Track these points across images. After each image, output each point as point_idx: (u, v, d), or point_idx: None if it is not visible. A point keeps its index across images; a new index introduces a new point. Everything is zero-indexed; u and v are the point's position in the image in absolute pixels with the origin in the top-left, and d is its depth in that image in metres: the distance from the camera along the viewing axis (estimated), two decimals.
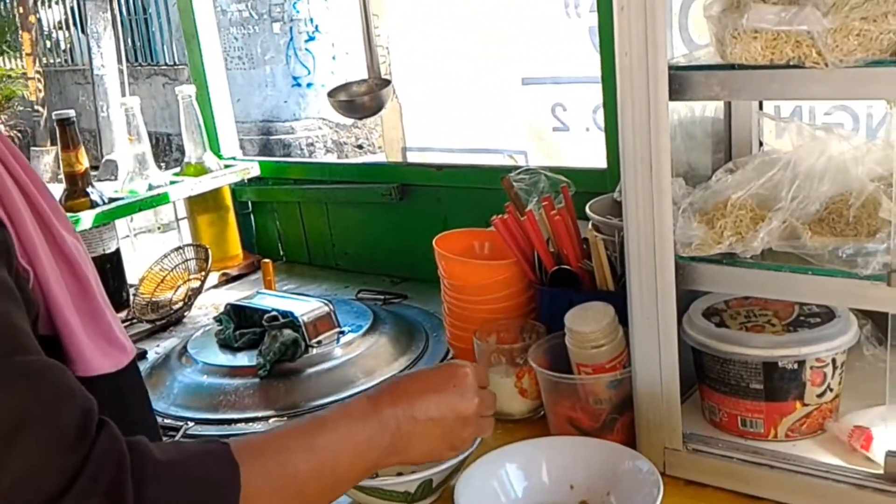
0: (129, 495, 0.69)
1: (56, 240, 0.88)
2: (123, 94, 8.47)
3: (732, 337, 1.10)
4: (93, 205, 1.84)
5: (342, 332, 1.60)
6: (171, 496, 0.73)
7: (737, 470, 1.09)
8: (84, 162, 1.84)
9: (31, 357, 0.71)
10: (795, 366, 1.08)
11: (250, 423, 1.42)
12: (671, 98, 1.00)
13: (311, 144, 9.56)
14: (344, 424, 0.89)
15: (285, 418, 1.43)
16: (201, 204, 2.11)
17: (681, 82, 1.00)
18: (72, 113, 1.82)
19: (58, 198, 1.82)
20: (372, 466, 0.93)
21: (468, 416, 0.98)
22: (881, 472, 1.01)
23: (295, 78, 9.37)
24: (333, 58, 9.11)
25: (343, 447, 0.88)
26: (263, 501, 0.80)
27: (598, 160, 1.63)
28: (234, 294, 1.97)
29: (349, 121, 8.08)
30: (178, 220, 2.11)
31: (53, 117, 1.82)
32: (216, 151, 2.15)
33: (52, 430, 0.69)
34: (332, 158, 9.39)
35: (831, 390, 1.10)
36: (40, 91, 11.12)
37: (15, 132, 11.33)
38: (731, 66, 0.97)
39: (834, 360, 1.09)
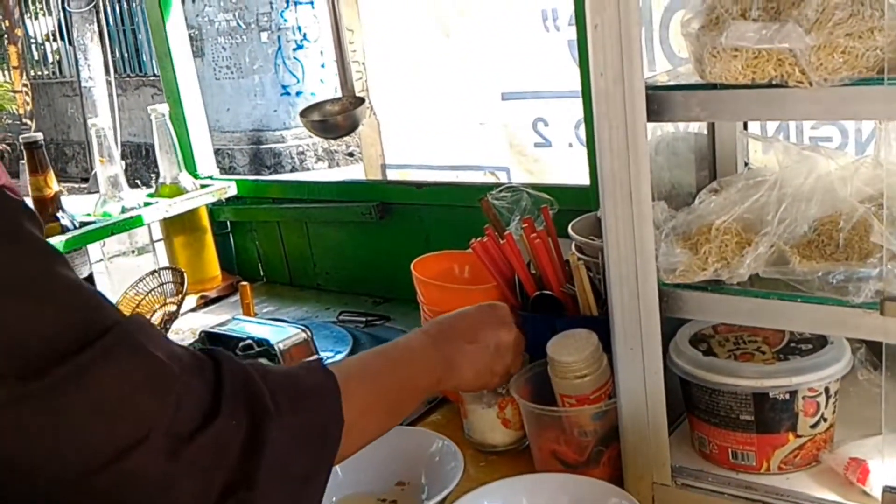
0: (267, 400, 0.76)
1: None
2: (112, 107, 8.43)
3: (721, 367, 1.05)
4: (63, 230, 1.79)
5: (320, 360, 1.54)
6: (292, 398, 0.79)
7: None
8: (53, 185, 1.79)
9: (127, 317, 0.72)
10: (787, 396, 1.03)
11: None
12: (650, 119, 0.95)
13: (302, 153, 9.52)
14: (410, 354, 1.04)
15: None
16: (177, 225, 2.06)
17: (659, 103, 0.95)
18: (39, 136, 1.77)
19: None
20: (436, 384, 1.07)
21: (508, 345, 1.13)
22: None
23: (284, 87, 9.33)
24: (322, 66, 9.08)
25: (415, 372, 1.02)
26: (357, 415, 0.87)
27: (582, 177, 1.59)
28: (212, 318, 1.92)
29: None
30: (153, 242, 2.05)
31: (20, 141, 1.77)
32: (192, 171, 2.10)
33: (180, 363, 0.72)
34: (323, 166, 9.36)
35: (825, 420, 1.06)
36: (28, 104, 11.08)
37: (3, 146, 11.28)
38: (713, 86, 0.92)
39: (827, 389, 1.04)
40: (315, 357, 0.91)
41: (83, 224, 1.85)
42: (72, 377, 0.65)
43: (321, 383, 0.85)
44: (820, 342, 1.06)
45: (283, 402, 0.77)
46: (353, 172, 8.27)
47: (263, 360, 1.49)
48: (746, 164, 1.22)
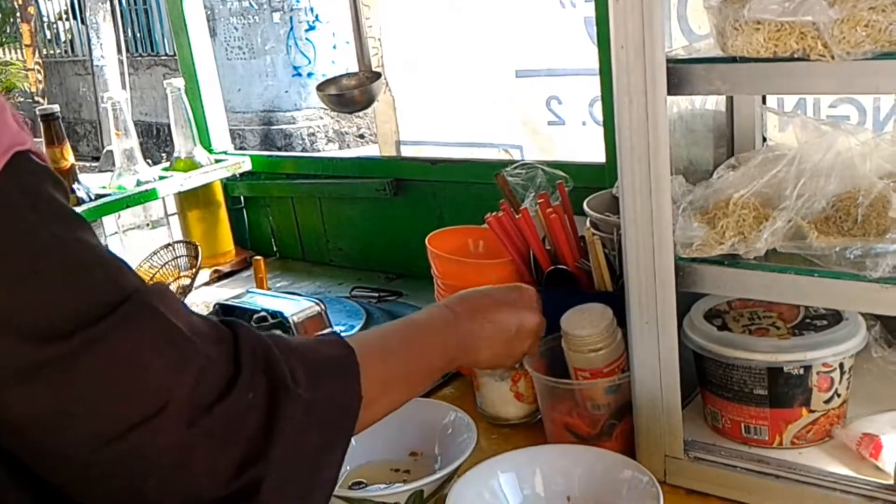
0: (285, 371, 0.75)
1: None
2: (123, 85, 8.43)
3: (735, 341, 1.06)
4: (79, 202, 1.80)
5: (334, 333, 1.55)
6: (311, 370, 0.79)
7: (740, 479, 1.05)
8: (69, 158, 1.80)
9: (147, 285, 0.72)
10: (801, 371, 1.03)
11: None
12: (670, 92, 0.95)
13: (313, 134, 9.52)
14: (430, 328, 1.03)
15: None
16: (191, 199, 2.07)
17: (680, 76, 0.95)
18: (55, 108, 1.78)
19: None
20: (449, 364, 1.05)
21: (529, 330, 1.11)
22: (891, 482, 0.97)
23: (296, 68, 9.31)
24: (334, 47, 9.06)
25: (433, 350, 1.01)
26: (375, 391, 0.87)
27: (595, 155, 1.59)
28: (226, 292, 1.93)
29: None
30: (167, 216, 2.06)
31: (37, 112, 1.78)
32: (207, 146, 2.11)
33: (199, 333, 0.72)
34: (333, 148, 9.35)
35: (839, 396, 1.06)
36: (40, 82, 11.10)
37: None
38: (733, 59, 0.92)
39: (841, 365, 1.05)
40: (332, 330, 0.90)
41: (98, 196, 1.86)
42: (91, 343, 0.65)
43: (341, 358, 0.85)
44: (835, 318, 1.07)
45: (301, 375, 0.77)
46: (363, 154, 8.25)
47: (278, 332, 1.49)
48: (765, 140, 1.22)
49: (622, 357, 1.15)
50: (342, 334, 1.49)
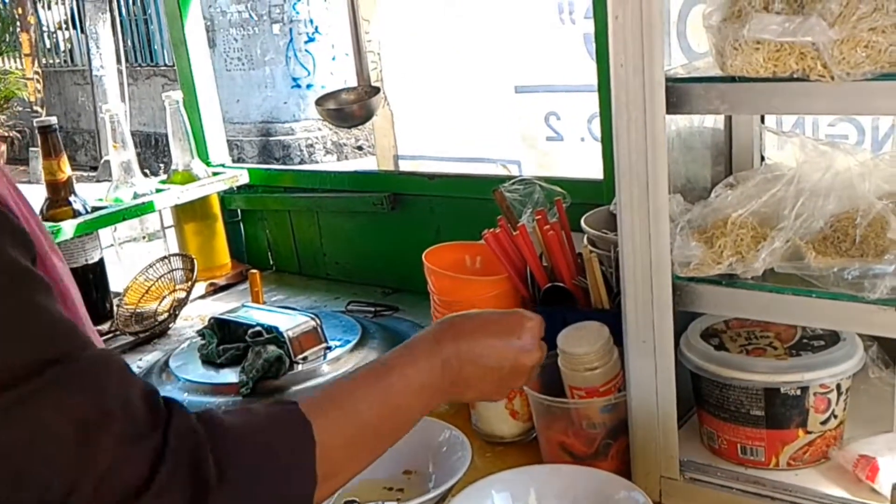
0: (211, 472, 0.68)
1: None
2: (122, 96, 8.44)
3: (732, 361, 1.05)
4: (75, 214, 1.79)
5: (329, 348, 1.55)
6: (250, 464, 0.72)
7: (736, 500, 1.05)
8: (66, 170, 1.79)
9: (91, 351, 0.68)
10: (798, 392, 1.03)
11: None
12: (669, 111, 0.95)
13: (311, 146, 9.52)
14: (410, 367, 0.90)
15: None
16: (188, 212, 2.06)
17: (679, 95, 0.95)
18: (53, 120, 1.78)
19: (38, 207, 1.81)
20: (431, 404, 0.94)
21: (526, 367, 0.99)
22: None
23: (294, 79, 9.33)
24: (333, 59, 9.08)
25: (409, 389, 0.90)
26: (339, 453, 0.80)
27: (593, 171, 1.58)
28: (221, 305, 1.92)
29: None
30: (164, 228, 2.06)
31: (35, 124, 1.77)
32: (204, 158, 2.10)
33: (127, 421, 0.66)
34: (331, 159, 9.36)
35: (835, 417, 1.05)
36: (39, 92, 11.09)
37: (14, 133, 11.30)
38: (732, 79, 0.92)
39: (839, 386, 1.04)
40: (291, 400, 0.81)
41: (95, 209, 1.85)
42: (10, 407, 0.61)
43: (295, 436, 0.77)
44: (832, 339, 1.06)
45: (236, 471, 0.70)
46: (362, 166, 8.26)
47: (272, 348, 1.49)
48: (763, 159, 1.22)
49: (618, 376, 1.14)
50: (334, 350, 1.53)
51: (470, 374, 0.94)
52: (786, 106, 0.91)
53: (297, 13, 9.13)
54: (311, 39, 9.18)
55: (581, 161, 2.41)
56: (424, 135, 2.71)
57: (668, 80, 0.94)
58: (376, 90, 1.73)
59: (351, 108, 1.71)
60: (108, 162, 6.05)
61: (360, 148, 9.44)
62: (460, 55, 2.58)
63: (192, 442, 0.69)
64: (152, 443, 0.67)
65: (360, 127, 9.19)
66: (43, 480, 0.62)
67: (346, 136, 9.41)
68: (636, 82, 0.95)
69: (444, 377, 0.92)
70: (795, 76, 0.87)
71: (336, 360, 1.52)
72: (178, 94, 2.00)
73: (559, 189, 1.42)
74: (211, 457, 0.69)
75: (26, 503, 0.62)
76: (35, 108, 10.82)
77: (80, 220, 1.78)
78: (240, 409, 0.82)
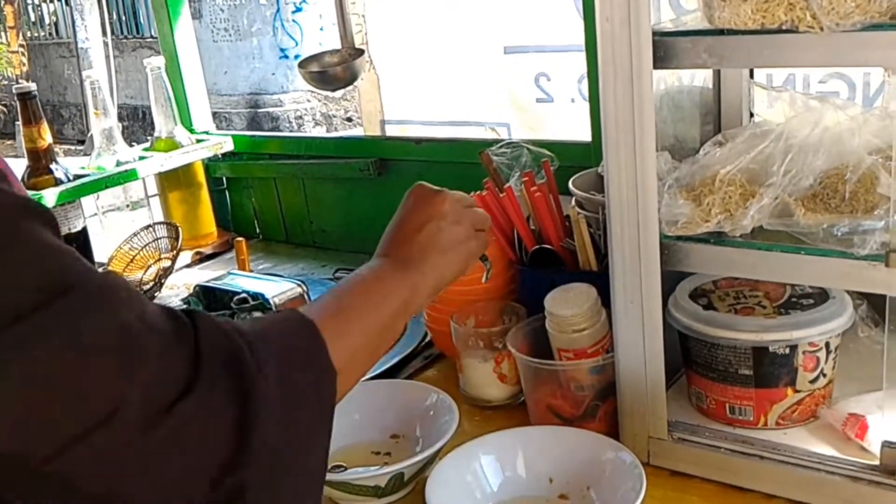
0: (249, 362, 0.69)
1: None
2: (109, 68, 8.34)
3: (721, 320, 1.04)
4: (57, 182, 1.77)
5: (290, 310, 1.53)
6: (279, 356, 0.73)
7: (725, 460, 1.04)
8: (47, 137, 1.76)
9: (99, 275, 0.65)
10: (787, 350, 1.02)
11: None
12: (656, 66, 0.93)
13: (300, 117, 9.46)
14: (381, 285, 0.93)
15: None
16: (172, 180, 2.04)
17: (666, 49, 0.93)
18: (33, 86, 1.74)
19: (20, 175, 1.78)
20: (403, 314, 0.94)
21: (465, 239, 1.00)
22: (876, 462, 0.96)
23: (282, 50, 9.24)
24: (321, 29, 8.99)
25: (389, 302, 0.91)
26: (345, 360, 0.80)
27: (584, 133, 1.56)
28: (208, 274, 1.90)
29: (339, 92, 7.97)
30: (148, 197, 2.03)
31: (14, 91, 1.74)
32: (188, 125, 2.07)
33: (154, 333, 0.65)
34: (320, 131, 9.30)
35: (824, 376, 1.05)
36: (24, 65, 10.98)
37: None
38: (720, 32, 0.89)
39: (827, 345, 1.03)
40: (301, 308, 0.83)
41: (77, 177, 1.82)
42: (23, 342, 0.57)
43: (305, 336, 0.78)
44: (821, 297, 1.05)
45: (270, 366, 0.71)
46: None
47: (258, 314, 1.47)
48: (752, 116, 1.20)
49: (606, 337, 1.13)
50: None
51: (424, 267, 0.96)
52: (774, 58, 0.89)
53: None
54: (298, 9, 9.09)
55: (572, 123, 2.37)
56: (411, 99, 2.66)
57: (654, 33, 0.92)
58: (360, 52, 1.70)
59: (334, 71, 1.68)
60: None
61: (349, 119, 9.38)
62: (448, 16, 2.53)
63: (227, 340, 0.69)
64: (187, 349, 0.66)
65: (349, 98, 9.09)
66: (88, 403, 0.59)
67: (335, 107, 9.34)
68: (622, 36, 0.93)
69: (410, 286, 0.94)
70: (784, 28, 0.85)
71: None
72: (159, 60, 1.96)
73: (546, 152, 1.41)
74: (245, 348, 0.69)
75: (68, 427, 0.59)
76: (20, 81, 10.71)
77: (62, 188, 1.75)
78: (251, 319, 0.82)
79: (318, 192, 2.04)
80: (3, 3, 11.06)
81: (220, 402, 0.65)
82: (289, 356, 0.75)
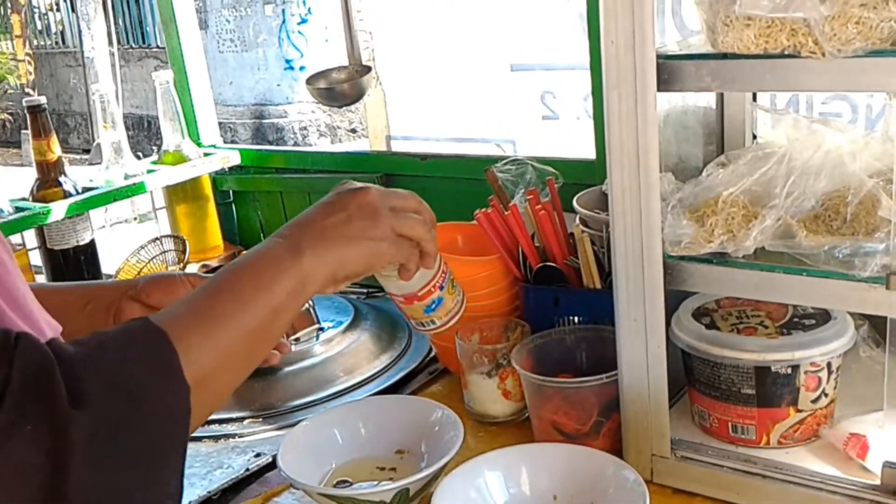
0: (61, 388, 0.63)
1: None
2: (115, 77, 8.38)
3: (723, 340, 1.05)
4: (66, 195, 1.78)
5: (322, 329, 1.54)
6: (104, 378, 0.67)
7: (727, 479, 1.05)
8: (56, 150, 1.78)
9: None
10: (789, 370, 1.03)
11: (224, 425, 1.37)
12: (660, 89, 0.94)
13: (305, 128, 9.49)
14: (272, 265, 0.83)
15: (261, 419, 1.38)
16: (180, 193, 2.05)
17: (670, 72, 0.94)
18: (43, 100, 1.76)
19: (29, 188, 1.80)
20: (295, 295, 0.84)
21: (367, 203, 0.91)
22: (878, 482, 0.97)
23: (287, 61, 9.29)
24: (326, 41, 9.03)
25: (281, 280, 0.82)
26: (208, 358, 0.73)
27: (589, 150, 1.58)
28: None
29: None
30: (155, 210, 2.05)
31: (24, 104, 1.76)
32: (195, 139, 2.09)
33: None
34: (325, 142, 9.33)
35: (826, 395, 1.05)
36: (30, 74, 11.03)
37: (5, 115, 11.24)
38: (723, 56, 0.91)
39: (829, 365, 1.04)
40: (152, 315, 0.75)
41: (86, 190, 1.84)
42: None
43: (151, 347, 0.71)
44: (823, 317, 1.06)
45: (95, 391, 0.65)
46: (355, 149, 8.24)
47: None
48: (755, 137, 1.21)
49: (436, 277, 1.03)
50: (327, 331, 1.53)
51: (314, 252, 0.85)
52: (777, 82, 0.90)
53: None
54: (303, 21, 9.13)
55: (577, 140, 2.38)
56: (417, 115, 2.68)
57: (658, 56, 0.93)
58: (367, 69, 1.72)
59: (342, 87, 1.69)
60: (100, 145, 6.02)
61: (353, 131, 9.41)
62: (455, 34, 2.55)
63: (42, 367, 0.63)
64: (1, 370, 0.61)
65: (353, 109, 9.13)
66: None
67: (339, 119, 9.38)
68: (627, 59, 0.94)
69: (294, 267, 0.84)
70: (787, 53, 0.87)
71: (329, 341, 1.52)
72: (168, 74, 1.98)
73: (551, 169, 1.42)
74: (71, 376, 0.64)
75: None
76: (27, 90, 10.76)
77: (70, 200, 1.77)
78: (90, 336, 0.73)
79: None
80: (9, 11, 11.12)
81: (25, 441, 0.61)
82: (127, 376, 0.68)
